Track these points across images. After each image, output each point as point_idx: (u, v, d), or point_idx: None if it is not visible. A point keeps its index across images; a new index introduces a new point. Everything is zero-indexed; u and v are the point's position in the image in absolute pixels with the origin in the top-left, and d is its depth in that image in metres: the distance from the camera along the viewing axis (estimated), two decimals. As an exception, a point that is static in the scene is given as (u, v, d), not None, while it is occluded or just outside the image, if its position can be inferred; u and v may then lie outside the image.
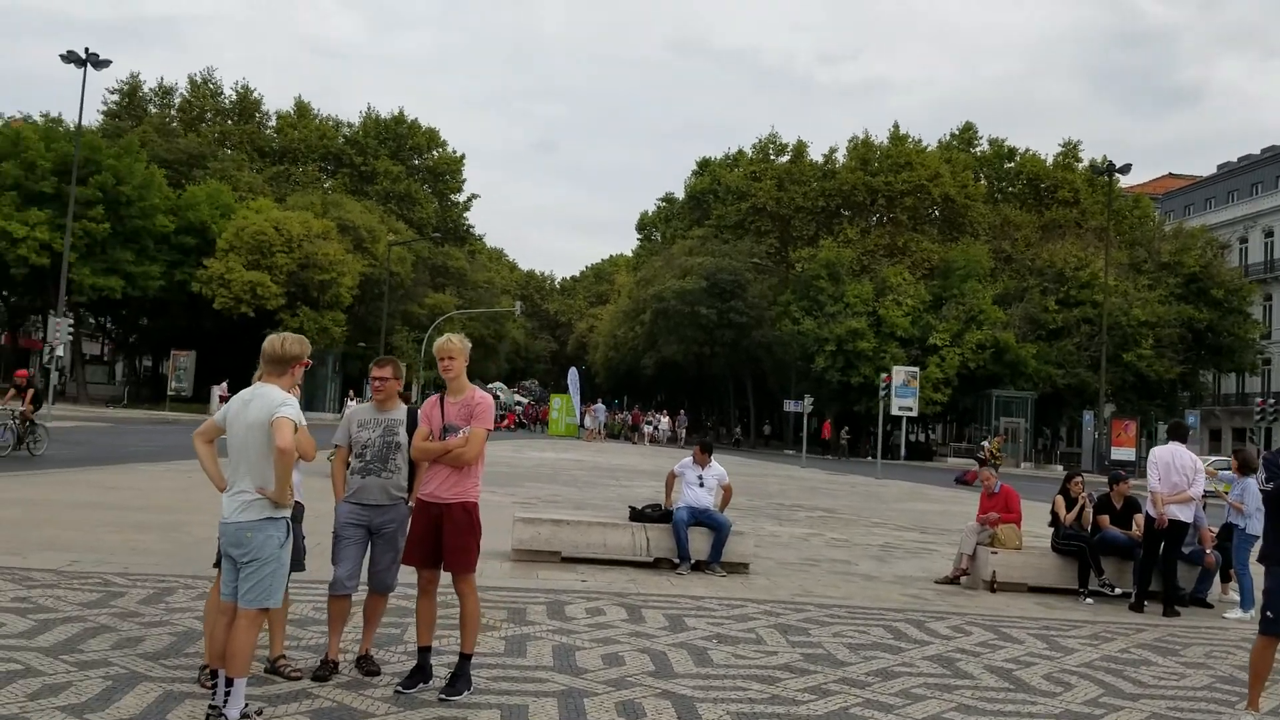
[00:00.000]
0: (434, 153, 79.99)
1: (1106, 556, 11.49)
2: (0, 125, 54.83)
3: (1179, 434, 10.97)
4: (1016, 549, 11.74)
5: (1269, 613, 6.43)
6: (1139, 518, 11.44)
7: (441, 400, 6.14)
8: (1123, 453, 47.47)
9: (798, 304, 60.61)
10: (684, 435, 60.21)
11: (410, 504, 6.28)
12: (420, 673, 6.03)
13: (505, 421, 68.15)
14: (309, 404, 59.64)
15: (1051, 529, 11.93)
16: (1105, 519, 11.70)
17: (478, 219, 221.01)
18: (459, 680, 5.95)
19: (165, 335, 63.24)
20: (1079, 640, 9.00)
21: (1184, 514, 10.62)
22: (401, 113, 78.51)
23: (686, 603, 9.39)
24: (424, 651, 6.09)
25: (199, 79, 75.35)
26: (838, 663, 7.45)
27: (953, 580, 11.80)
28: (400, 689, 5.94)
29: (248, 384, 5.70)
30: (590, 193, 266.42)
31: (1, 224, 47.02)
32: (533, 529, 11.06)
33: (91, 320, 64.35)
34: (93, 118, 69.91)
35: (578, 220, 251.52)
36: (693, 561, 11.23)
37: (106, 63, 43.87)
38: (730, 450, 61.55)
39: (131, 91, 73.25)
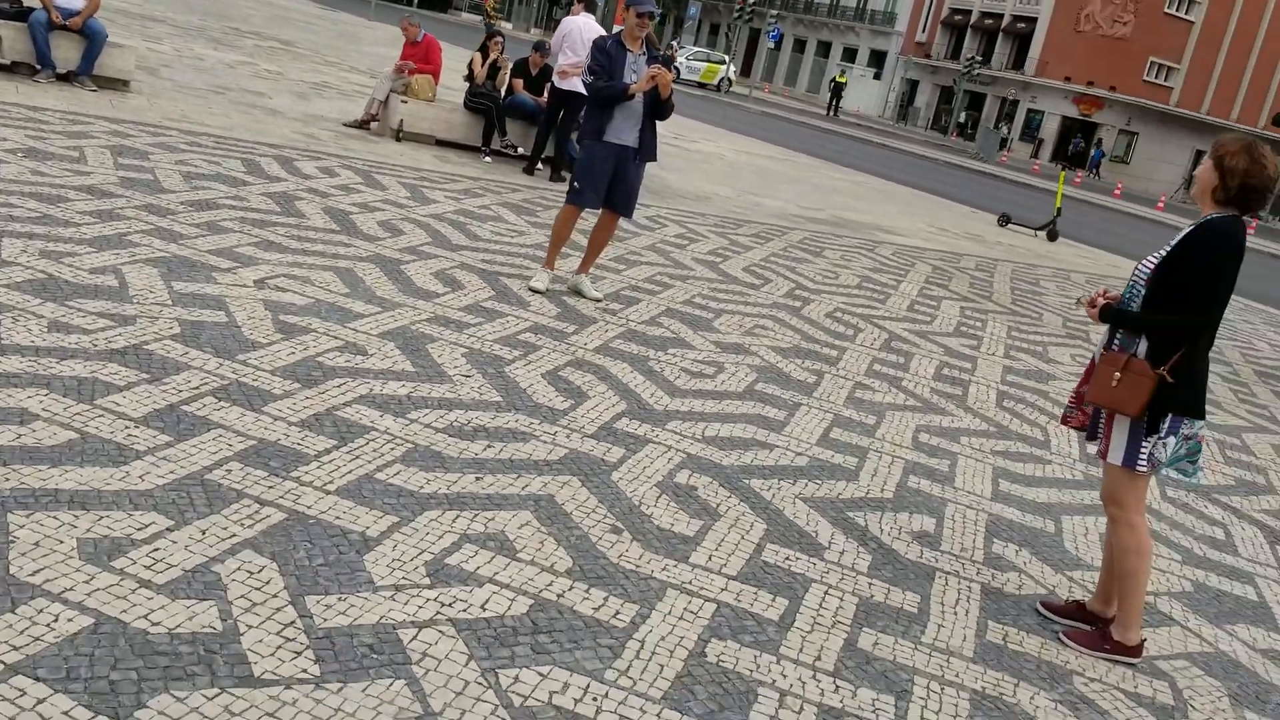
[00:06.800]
0: None
1: (514, 120, 11.77)
2: None
3: (591, 5, 11.08)
4: (429, 101, 11.64)
5: (575, 184, 6.78)
6: (549, 86, 11.65)
7: None
8: None
9: None
10: None
11: None
12: None
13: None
14: None
15: (466, 84, 11.87)
16: (520, 83, 11.85)
17: None
18: None
19: None
20: (447, 194, 9.20)
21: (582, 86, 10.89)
22: None
23: (20, 113, 8.27)
24: None
25: None
26: (156, 189, 6.95)
27: (362, 125, 11.54)
28: None
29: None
30: None
31: None
32: None
33: None
34: None
35: None
36: (59, 71, 9.89)
37: None
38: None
39: None
